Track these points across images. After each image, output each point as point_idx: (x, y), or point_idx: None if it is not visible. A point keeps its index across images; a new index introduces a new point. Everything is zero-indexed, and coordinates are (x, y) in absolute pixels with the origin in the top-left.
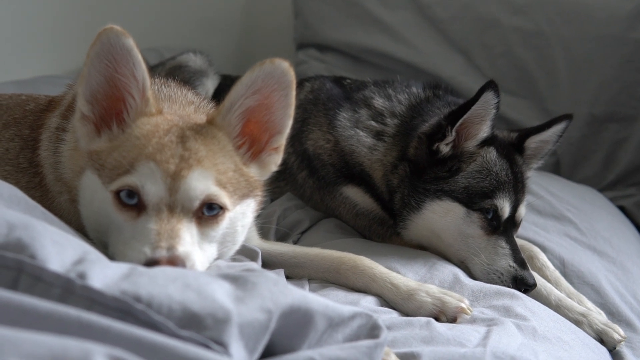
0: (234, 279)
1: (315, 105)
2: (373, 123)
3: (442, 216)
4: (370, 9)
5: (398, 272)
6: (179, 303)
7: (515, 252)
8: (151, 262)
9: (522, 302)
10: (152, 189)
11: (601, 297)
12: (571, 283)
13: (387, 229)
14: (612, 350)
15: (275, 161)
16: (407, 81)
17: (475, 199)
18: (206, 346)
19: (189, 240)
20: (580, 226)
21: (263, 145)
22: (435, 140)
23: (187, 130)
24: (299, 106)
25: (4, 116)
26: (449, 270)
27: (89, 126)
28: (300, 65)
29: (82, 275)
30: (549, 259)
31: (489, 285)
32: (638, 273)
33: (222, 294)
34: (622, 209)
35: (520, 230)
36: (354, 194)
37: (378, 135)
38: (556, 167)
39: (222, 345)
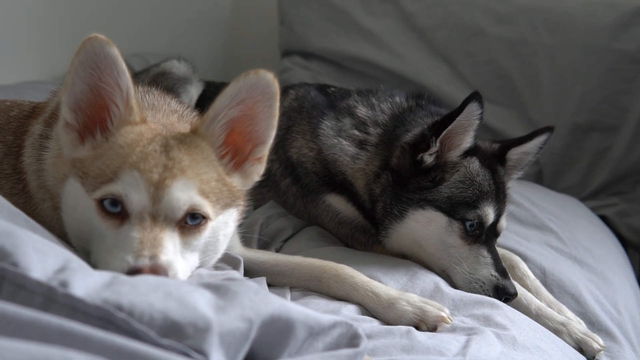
0: (215, 288)
1: (300, 113)
2: (356, 132)
3: (424, 225)
4: (355, 17)
5: (379, 281)
6: (160, 312)
7: (497, 261)
8: (134, 271)
9: (502, 311)
10: (136, 197)
11: (581, 306)
12: (552, 292)
13: (369, 238)
14: (592, 359)
15: (258, 171)
16: (391, 90)
17: (458, 209)
18: (187, 355)
19: (171, 249)
20: (562, 235)
21: (246, 155)
22: (419, 150)
23: (170, 139)
24: (283, 114)
25: None
26: (430, 279)
27: (73, 134)
28: (285, 72)
29: (64, 284)
30: (530, 268)
31: (469, 294)
32: (618, 283)
33: (203, 303)
34: (604, 218)
35: (502, 240)
36: (337, 203)
37: (361, 144)
38: (539, 176)
39: (202, 354)
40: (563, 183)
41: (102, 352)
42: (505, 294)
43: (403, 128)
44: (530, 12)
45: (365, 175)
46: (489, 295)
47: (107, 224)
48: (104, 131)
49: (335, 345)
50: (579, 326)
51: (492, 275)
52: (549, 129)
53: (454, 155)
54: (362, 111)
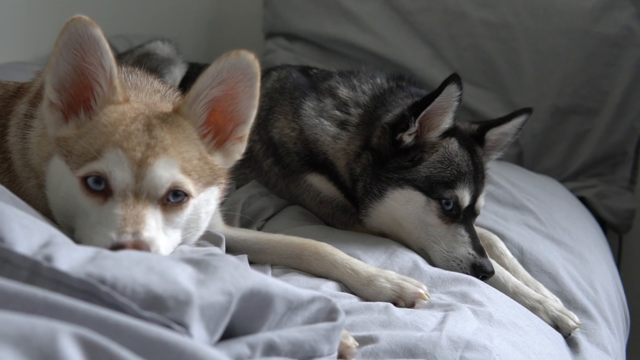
0: (197, 263)
1: (281, 94)
2: (337, 112)
3: (403, 204)
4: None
5: (359, 259)
6: (142, 285)
7: (474, 240)
8: (116, 246)
9: (479, 288)
10: (119, 175)
11: (558, 285)
12: (529, 271)
13: (349, 217)
14: (567, 336)
15: (239, 150)
16: (372, 72)
17: (436, 189)
18: (168, 327)
19: (153, 225)
20: (540, 216)
21: (227, 135)
22: (398, 130)
23: (153, 118)
24: (265, 95)
25: None
26: (409, 257)
27: (57, 113)
28: (268, 54)
29: (48, 258)
30: (508, 248)
31: (447, 272)
32: (595, 262)
33: (184, 277)
34: (583, 199)
35: (480, 219)
36: (318, 182)
37: (342, 124)
38: (519, 157)
39: (183, 326)
40: (543, 164)
41: (85, 323)
42: (482, 272)
43: (383, 109)
44: None
45: (346, 155)
46: (467, 273)
47: (91, 201)
48: (88, 110)
49: (314, 320)
50: (555, 304)
51: (469, 253)
52: (527, 110)
53: (433, 135)
54: (343, 92)
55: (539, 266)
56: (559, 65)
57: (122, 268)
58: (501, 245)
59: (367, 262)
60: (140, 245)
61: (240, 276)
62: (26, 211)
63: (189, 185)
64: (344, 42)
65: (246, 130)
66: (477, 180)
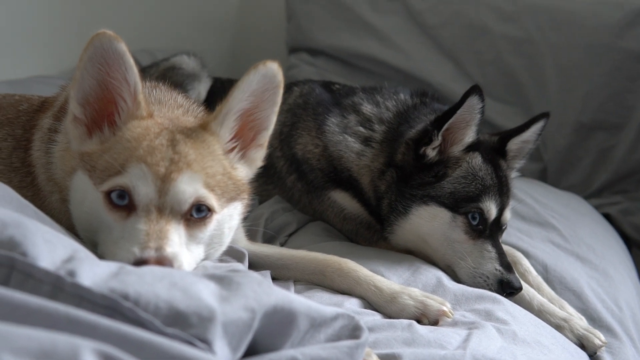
0: (220, 279)
1: (305, 110)
2: (361, 129)
3: (428, 221)
4: (362, 14)
5: (382, 275)
6: (165, 301)
7: (501, 255)
8: (140, 262)
9: (503, 306)
10: (143, 190)
11: (583, 302)
12: (553, 289)
13: (374, 233)
14: (593, 355)
15: (260, 157)
16: (395, 88)
17: (461, 204)
18: (191, 344)
19: (177, 241)
20: (564, 233)
21: (248, 143)
22: (421, 144)
23: (177, 133)
24: (287, 110)
25: None
26: (432, 274)
27: (81, 128)
28: (291, 69)
29: (71, 273)
30: (532, 265)
31: (471, 289)
32: (620, 280)
33: (207, 294)
34: (607, 216)
35: (504, 236)
36: (342, 199)
37: (366, 141)
38: (543, 173)
39: (206, 343)
40: (567, 181)
41: (108, 339)
42: (510, 288)
43: (407, 125)
44: (535, 10)
45: (370, 171)
46: (493, 290)
47: (114, 216)
48: (112, 125)
49: (337, 337)
50: (580, 322)
51: (496, 269)
52: (545, 115)
53: (457, 150)
54: (367, 108)
55: (563, 284)
56: (582, 80)
57: (145, 284)
58: (525, 262)
59: (390, 278)
60: (163, 260)
61: (264, 293)
62: (50, 225)
63: (212, 200)
64: (366, 57)
65: (267, 136)
66: (502, 193)
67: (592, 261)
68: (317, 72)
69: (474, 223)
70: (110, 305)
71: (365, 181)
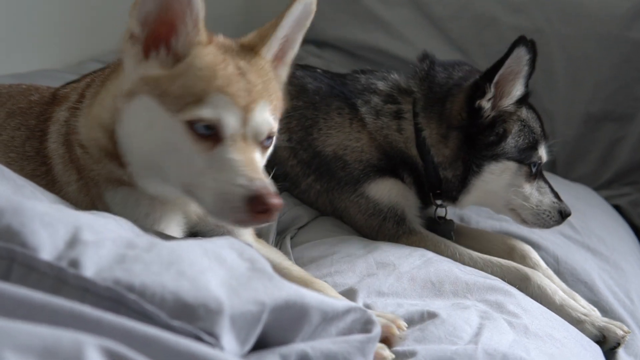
0: (248, 259)
1: (318, 110)
2: (390, 105)
3: (498, 175)
4: (369, 6)
5: (394, 266)
6: (171, 292)
7: (551, 187)
8: (253, 197)
9: (515, 299)
10: (231, 121)
11: (594, 294)
12: (564, 281)
13: (399, 228)
14: (615, 348)
15: (285, 74)
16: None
17: (525, 155)
18: (198, 337)
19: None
20: (575, 224)
21: (278, 62)
22: (475, 99)
23: (239, 60)
24: (291, 117)
25: (7, 104)
26: (445, 264)
27: (137, 47)
28: (298, 61)
29: (74, 263)
30: (543, 257)
31: (482, 279)
32: (631, 271)
33: (215, 284)
34: (617, 207)
35: (515, 228)
36: (383, 189)
37: (398, 114)
38: (552, 165)
39: (213, 337)
40: (576, 172)
41: (112, 334)
42: (566, 215)
43: (443, 86)
44: (544, 1)
45: (420, 142)
46: (555, 222)
47: (199, 147)
48: (169, 49)
49: (349, 331)
50: (598, 315)
51: (553, 202)
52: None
53: (508, 103)
54: (382, 84)
55: (574, 275)
56: (591, 71)
57: (152, 273)
58: (535, 255)
59: (401, 267)
60: (272, 193)
61: (274, 287)
62: (49, 199)
63: (276, 126)
64: (374, 48)
65: (292, 56)
66: (546, 135)
67: (603, 253)
68: (325, 64)
69: (534, 169)
70: (114, 297)
71: (414, 153)
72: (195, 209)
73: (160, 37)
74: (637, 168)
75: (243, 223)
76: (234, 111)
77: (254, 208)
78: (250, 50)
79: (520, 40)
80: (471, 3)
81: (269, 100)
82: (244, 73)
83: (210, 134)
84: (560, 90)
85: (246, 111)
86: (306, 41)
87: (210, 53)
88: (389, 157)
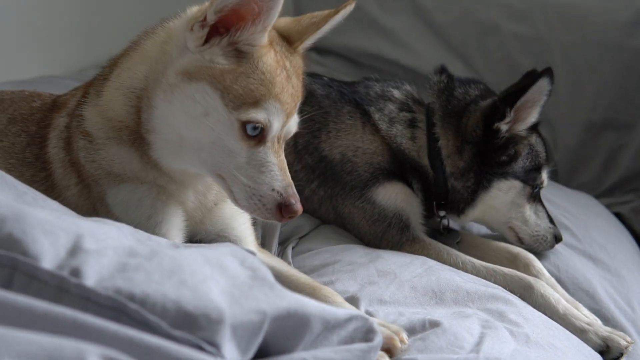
0: (249, 267)
1: (327, 114)
2: (405, 113)
3: (505, 192)
4: (371, 13)
5: (395, 275)
6: (173, 302)
7: (547, 212)
8: (282, 204)
9: (516, 308)
10: (276, 125)
11: (596, 303)
12: (566, 289)
13: (402, 235)
14: (618, 357)
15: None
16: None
17: (530, 176)
18: (199, 347)
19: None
20: (576, 232)
21: None
22: (494, 120)
23: (285, 61)
24: (310, 118)
25: (9, 110)
26: (446, 272)
27: (204, 32)
28: None
29: (76, 272)
30: (544, 265)
31: (484, 287)
32: (633, 280)
33: (217, 293)
34: (619, 215)
35: None
36: (390, 193)
37: (412, 123)
38: (553, 173)
39: (214, 346)
40: (578, 180)
41: (114, 344)
42: (559, 240)
43: (460, 101)
44: (545, 8)
45: (433, 152)
46: (549, 246)
47: (244, 144)
48: (232, 41)
49: (350, 339)
50: (603, 325)
51: (549, 227)
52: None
53: (522, 128)
54: (396, 93)
55: (576, 284)
56: (593, 79)
57: (153, 282)
58: (538, 264)
59: (402, 275)
60: (299, 201)
61: (276, 296)
62: (50, 207)
63: None
64: (375, 56)
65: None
66: (549, 158)
67: (604, 261)
68: (327, 71)
69: (535, 190)
70: (116, 306)
71: (425, 162)
72: (192, 204)
73: (226, 26)
74: (639, 176)
75: (266, 218)
76: (281, 117)
77: (283, 212)
78: (287, 43)
79: (546, 72)
80: (473, 10)
81: (300, 102)
82: (290, 76)
83: (256, 135)
84: (561, 98)
85: (287, 116)
86: (308, 48)
87: (271, 57)
88: (399, 163)
